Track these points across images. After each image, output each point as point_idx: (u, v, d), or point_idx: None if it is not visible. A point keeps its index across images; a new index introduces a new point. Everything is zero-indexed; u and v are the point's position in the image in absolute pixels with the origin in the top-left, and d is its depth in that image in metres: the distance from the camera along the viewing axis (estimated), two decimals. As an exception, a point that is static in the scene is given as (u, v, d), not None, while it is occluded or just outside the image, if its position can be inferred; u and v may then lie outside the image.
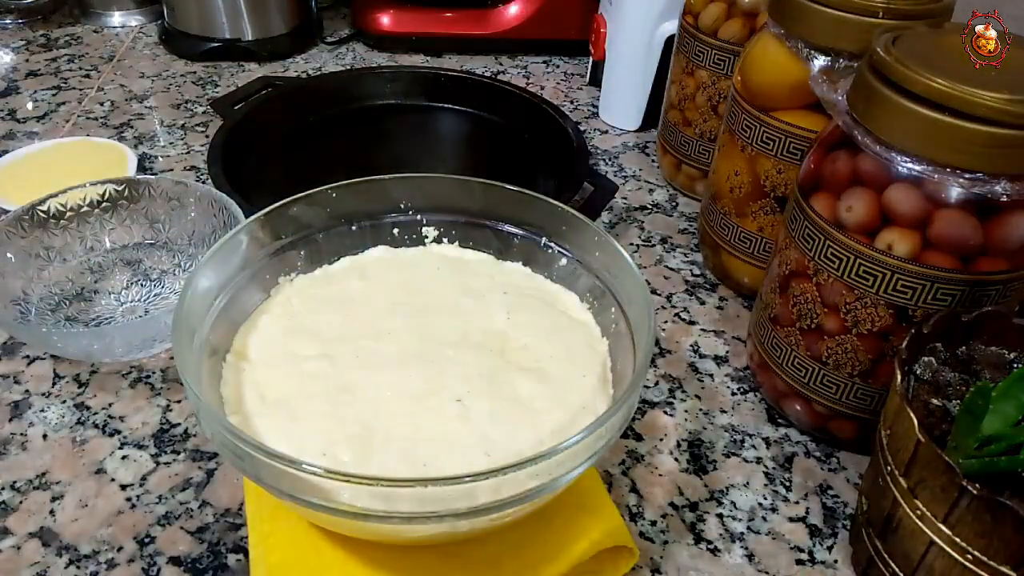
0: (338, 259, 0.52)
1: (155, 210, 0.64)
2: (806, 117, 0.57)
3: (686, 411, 0.57)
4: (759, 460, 0.53)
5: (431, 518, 0.34)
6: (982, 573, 0.37)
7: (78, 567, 0.44)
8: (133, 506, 0.48)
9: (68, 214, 0.61)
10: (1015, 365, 0.44)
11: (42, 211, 0.60)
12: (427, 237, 0.53)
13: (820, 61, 0.54)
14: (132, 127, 0.87)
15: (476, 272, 0.52)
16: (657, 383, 0.59)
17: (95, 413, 0.53)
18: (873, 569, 0.44)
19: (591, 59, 0.98)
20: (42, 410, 0.53)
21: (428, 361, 0.44)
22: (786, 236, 0.51)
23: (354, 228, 0.52)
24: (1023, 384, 0.38)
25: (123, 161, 0.74)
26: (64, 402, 0.54)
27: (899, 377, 0.41)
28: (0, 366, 0.57)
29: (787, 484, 0.52)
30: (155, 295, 0.61)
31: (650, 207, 0.79)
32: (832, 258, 0.47)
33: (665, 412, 0.57)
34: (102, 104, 0.91)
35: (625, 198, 0.80)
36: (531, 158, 0.75)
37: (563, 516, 0.44)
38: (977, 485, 0.35)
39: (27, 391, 0.55)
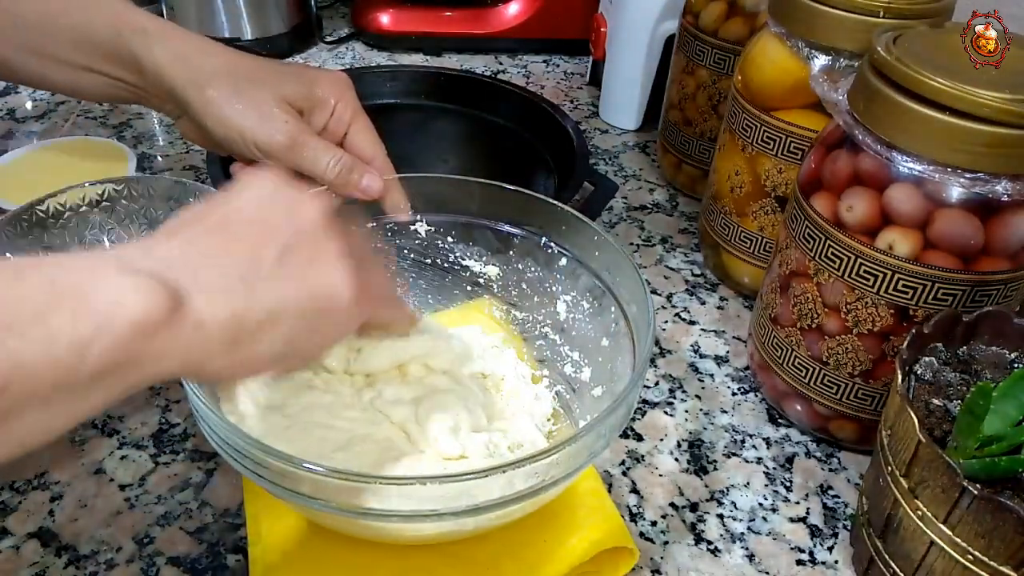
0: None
1: (154, 210, 0.63)
2: (807, 116, 0.56)
3: (686, 411, 0.57)
4: (759, 460, 0.53)
5: (430, 517, 0.34)
6: (983, 573, 0.36)
7: (77, 567, 0.44)
8: (132, 506, 0.48)
9: (67, 214, 0.61)
10: (1016, 365, 0.44)
11: (41, 211, 0.60)
12: (418, 232, 0.53)
13: (821, 60, 0.54)
14: (131, 126, 0.87)
15: None
16: (657, 383, 0.59)
17: (94, 413, 0.53)
18: (874, 569, 0.44)
19: (591, 58, 0.98)
20: (41, 410, 0.53)
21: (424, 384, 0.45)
22: (787, 236, 0.51)
23: (352, 228, 0.51)
24: (1023, 384, 0.38)
25: (122, 160, 0.74)
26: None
27: (900, 377, 0.41)
28: (-1, 366, 0.57)
29: (788, 484, 0.52)
30: (154, 295, 0.61)
31: (650, 207, 0.79)
32: (833, 258, 0.47)
33: (665, 412, 0.56)
34: (101, 104, 0.91)
35: (625, 198, 0.80)
36: (531, 158, 0.75)
37: (563, 516, 0.44)
38: (978, 485, 0.35)
39: (26, 391, 0.55)
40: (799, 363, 0.52)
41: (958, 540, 0.37)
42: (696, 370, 0.60)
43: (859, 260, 0.46)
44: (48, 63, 0.50)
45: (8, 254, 0.58)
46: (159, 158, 0.82)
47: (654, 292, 0.68)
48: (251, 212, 0.32)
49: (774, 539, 0.48)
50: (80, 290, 0.25)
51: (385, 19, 1.05)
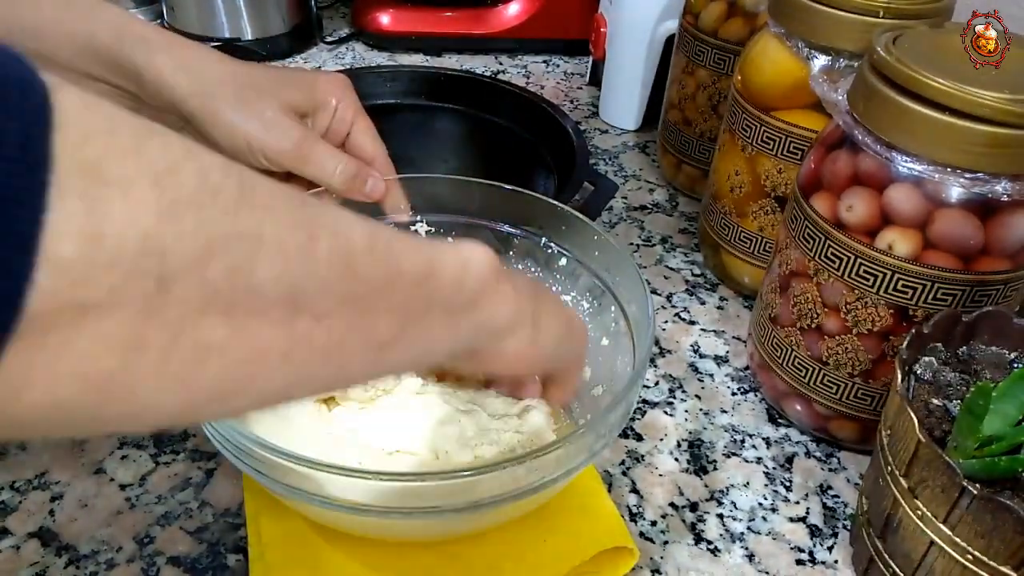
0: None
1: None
2: (806, 117, 0.56)
3: (686, 411, 0.57)
4: (759, 460, 0.53)
5: (430, 513, 0.34)
6: (982, 573, 0.37)
7: (77, 567, 0.44)
8: (132, 506, 0.48)
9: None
10: (1015, 365, 0.44)
11: (41, 210, 0.60)
12: (418, 232, 0.53)
13: (820, 61, 0.54)
14: (132, 126, 0.87)
15: None
16: (657, 383, 0.59)
17: (94, 413, 0.53)
18: (873, 569, 0.44)
19: (591, 58, 0.98)
20: (41, 410, 0.53)
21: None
22: (786, 236, 0.51)
23: None
24: (1023, 384, 0.38)
25: (123, 160, 0.74)
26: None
27: (899, 377, 0.41)
28: (-1, 366, 0.57)
29: (787, 484, 0.52)
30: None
31: (650, 207, 0.79)
32: (832, 258, 0.47)
33: (665, 412, 0.56)
34: (102, 103, 0.91)
35: (625, 198, 0.80)
36: (531, 158, 0.75)
37: (563, 516, 0.44)
38: (977, 485, 0.35)
39: (26, 391, 0.55)
40: (799, 363, 0.52)
41: (958, 540, 0.37)
42: (696, 370, 0.60)
43: (859, 260, 0.46)
44: (47, 69, 0.50)
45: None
46: (159, 158, 0.82)
47: (654, 292, 0.68)
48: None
49: (774, 539, 0.48)
50: (452, 247, 0.32)
51: (385, 19, 1.05)
